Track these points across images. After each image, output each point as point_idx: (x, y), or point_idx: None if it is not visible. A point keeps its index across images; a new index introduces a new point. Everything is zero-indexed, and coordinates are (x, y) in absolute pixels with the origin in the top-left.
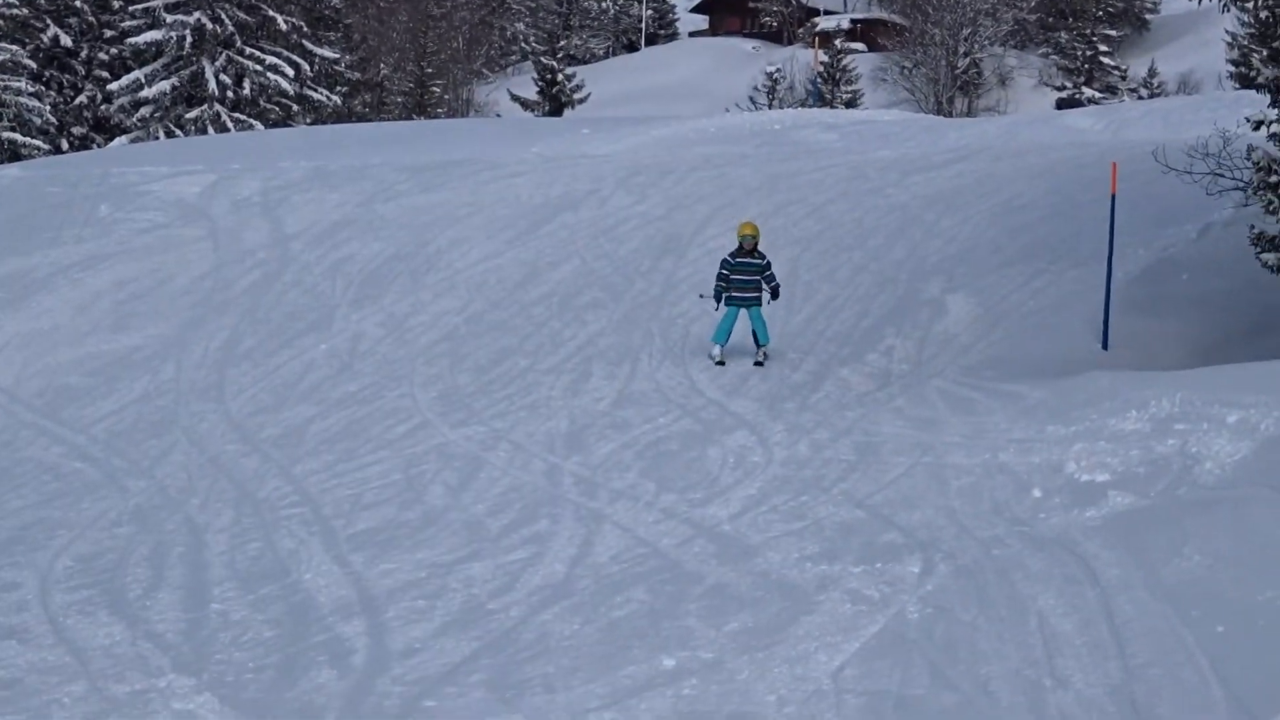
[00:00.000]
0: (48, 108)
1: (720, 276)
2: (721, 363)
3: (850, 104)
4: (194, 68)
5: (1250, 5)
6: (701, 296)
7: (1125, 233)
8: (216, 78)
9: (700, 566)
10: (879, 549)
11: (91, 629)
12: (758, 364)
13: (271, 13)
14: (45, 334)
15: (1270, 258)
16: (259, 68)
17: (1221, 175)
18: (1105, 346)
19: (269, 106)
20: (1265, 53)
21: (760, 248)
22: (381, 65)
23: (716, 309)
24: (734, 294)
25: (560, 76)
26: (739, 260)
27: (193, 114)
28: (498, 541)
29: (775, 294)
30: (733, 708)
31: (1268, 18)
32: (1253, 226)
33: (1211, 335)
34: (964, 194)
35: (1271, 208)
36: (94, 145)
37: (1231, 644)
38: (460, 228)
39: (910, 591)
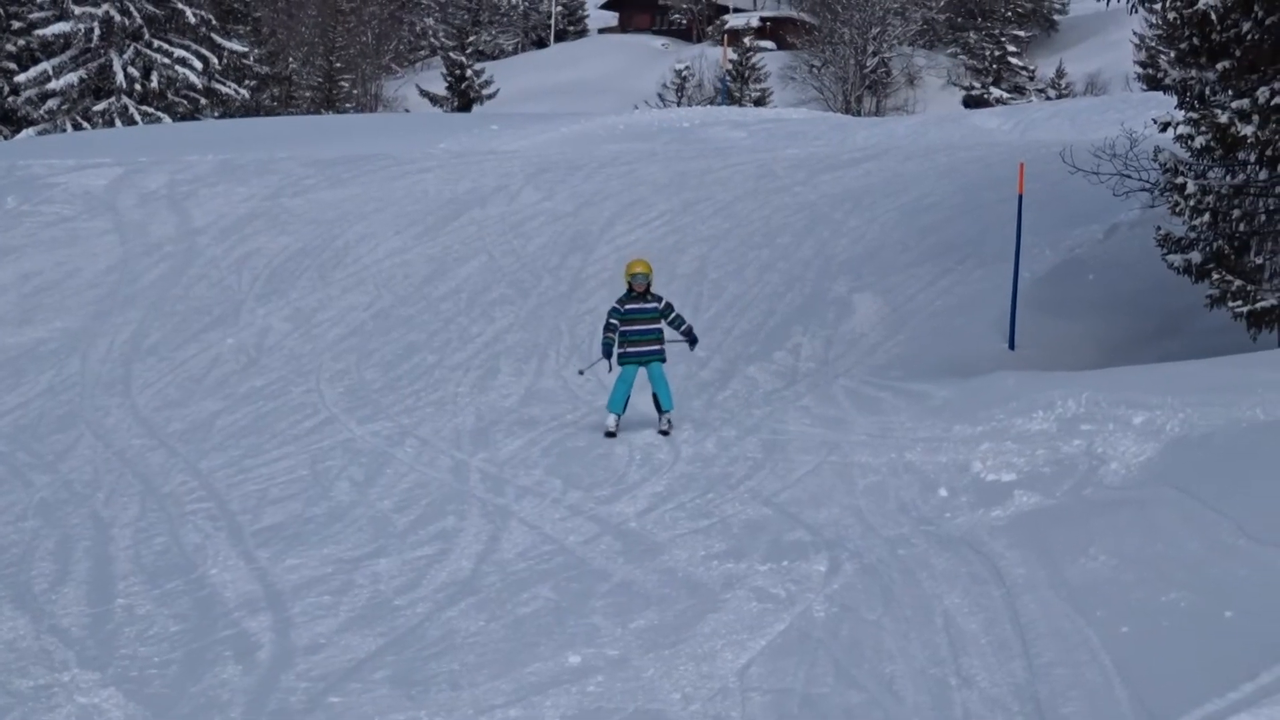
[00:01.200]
0: None
1: (608, 328)
2: (613, 434)
3: (759, 102)
4: (102, 60)
5: (1158, 6)
6: (581, 373)
7: (1032, 233)
8: (125, 70)
9: (607, 564)
10: (785, 547)
11: None
12: (662, 433)
13: (180, 5)
14: None
15: (1176, 259)
16: (167, 60)
17: (1128, 176)
18: (1012, 346)
19: (177, 100)
20: (1172, 54)
21: (656, 286)
22: (290, 59)
23: (610, 369)
24: (629, 349)
25: (469, 72)
26: (631, 308)
27: (100, 106)
28: (404, 538)
29: (692, 338)
30: (638, 705)
31: (1175, 19)
32: (1159, 228)
33: (1118, 336)
34: (872, 193)
35: (1178, 209)
36: (1, 137)
37: (1136, 644)
38: (368, 223)
39: (816, 590)
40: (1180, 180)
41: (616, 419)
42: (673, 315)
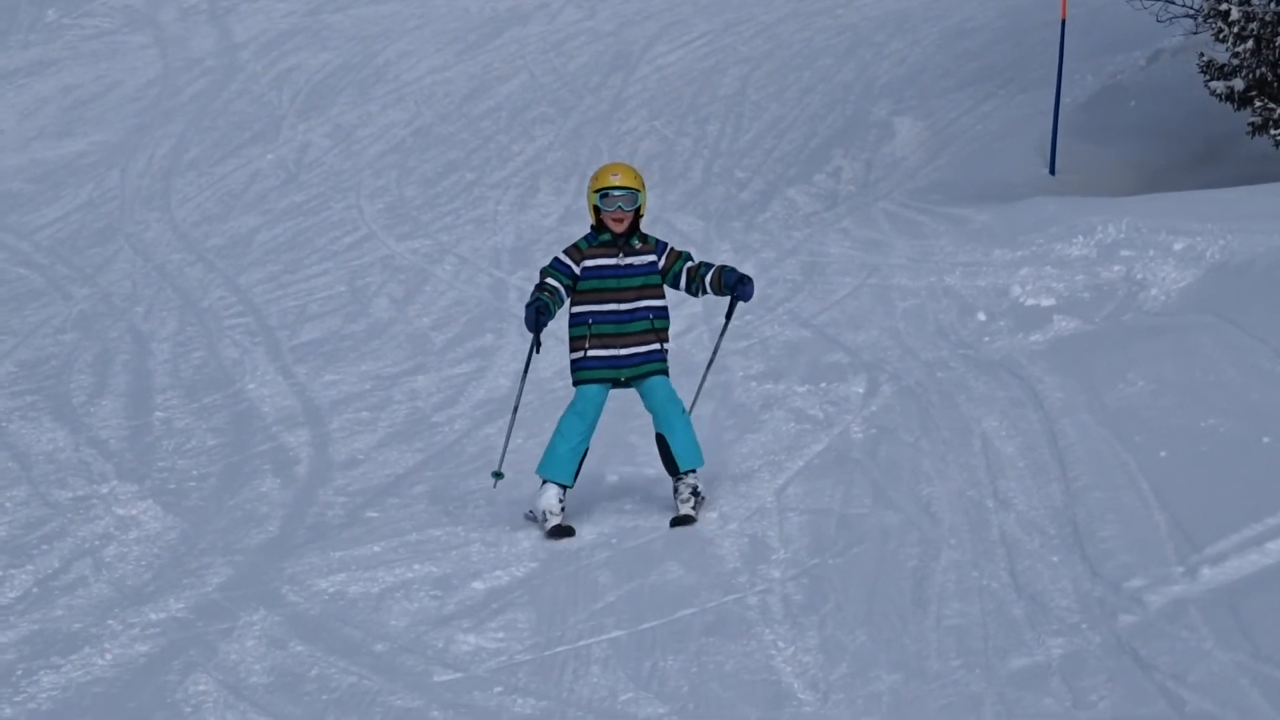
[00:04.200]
0: None
1: (542, 289)
2: (566, 530)
3: None
4: None
5: None
6: (497, 476)
7: (1074, 58)
8: None
9: None
10: (824, 369)
11: (34, 434)
12: (683, 521)
13: None
14: None
15: (1218, 86)
16: None
17: (1172, 2)
18: (1052, 172)
19: None
20: None
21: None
22: None
23: (537, 351)
24: (592, 353)
25: None
26: (597, 265)
27: None
28: (442, 355)
29: (737, 288)
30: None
31: None
32: (1202, 54)
33: (1158, 162)
34: (913, 16)
35: (1221, 35)
36: None
37: (1174, 469)
38: (409, 39)
39: (854, 411)
40: (1224, 6)
41: (560, 495)
42: (686, 268)
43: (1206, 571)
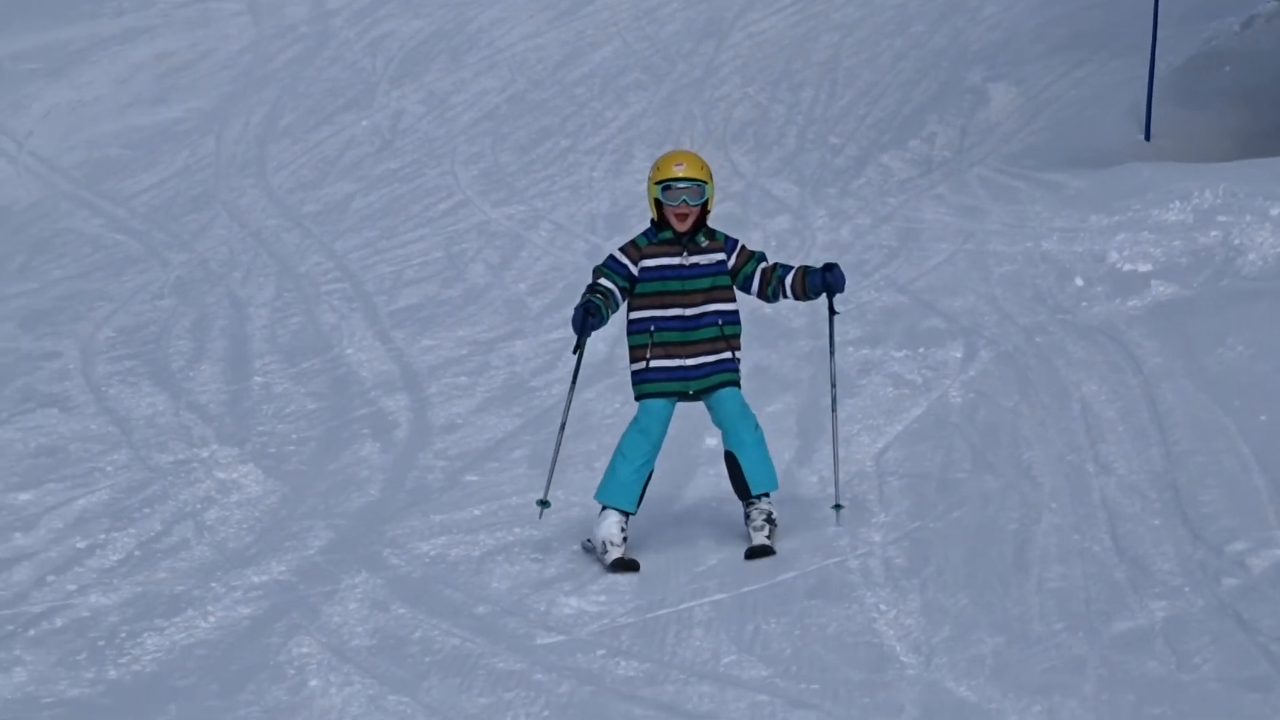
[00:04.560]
0: None
1: (595, 290)
2: (630, 564)
3: None
4: None
5: None
6: (542, 506)
7: (1168, 24)
8: None
9: (743, 345)
10: (921, 334)
11: (134, 399)
12: (760, 552)
13: None
14: (86, 105)
15: None
16: None
17: None
18: (1148, 137)
19: None
20: None
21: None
22: None
23: (578, 352)
24: (655, 364)
25: None
26: (657, 265)
27: None
28: (539, 320)
29: (825, 282)
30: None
31: None
32: None
33: (1253, 128)
34: None
35: None
36: None
37: (1273, 433)
38: (501, 6)
39: (953, 376)
40: None
41: (622, 523)
42: (760, 269)
43: None
